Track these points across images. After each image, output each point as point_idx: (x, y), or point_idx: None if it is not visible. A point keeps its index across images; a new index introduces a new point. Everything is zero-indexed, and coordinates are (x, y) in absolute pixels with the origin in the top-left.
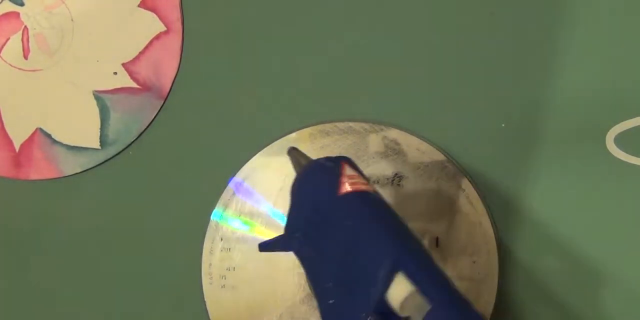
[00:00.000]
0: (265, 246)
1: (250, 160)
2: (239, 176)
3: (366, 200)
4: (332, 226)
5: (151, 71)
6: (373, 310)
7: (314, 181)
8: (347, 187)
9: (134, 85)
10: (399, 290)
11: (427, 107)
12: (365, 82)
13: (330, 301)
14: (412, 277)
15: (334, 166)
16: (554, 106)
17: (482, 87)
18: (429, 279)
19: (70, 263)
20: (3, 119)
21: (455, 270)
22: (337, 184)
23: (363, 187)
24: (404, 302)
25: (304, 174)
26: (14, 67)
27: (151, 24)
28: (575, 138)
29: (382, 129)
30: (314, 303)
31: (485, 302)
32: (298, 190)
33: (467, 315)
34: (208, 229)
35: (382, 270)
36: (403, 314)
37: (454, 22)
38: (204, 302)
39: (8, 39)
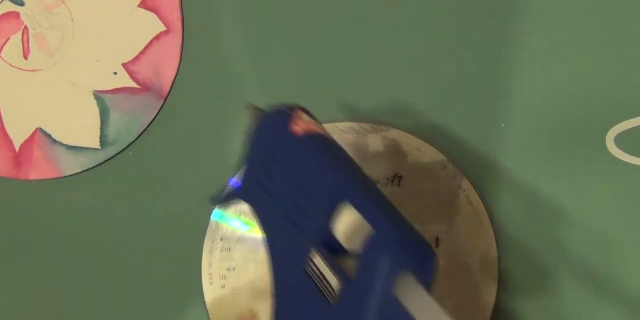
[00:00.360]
0: (220, 200)
1: None
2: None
3: (318, 140)
4: (283, 167)
5: (151, 71)
6: (318, 243)
7: (268, 128)
8: (299, 130)
9: (134, 85)
10: (345, 221)
11: (427, 107)
12: (366, 82)
13: (279, 240)
14: (357, 206)
15: (288, 113)
16: (554, 106)
17: (482, 87)
18: (374, 208)
19: (70, 263)
20: (3, 119)
21: (455, 271)
22: (290, 127)
23: (316, 130)
24: (350, 233)
25: (259, 123)
26: (14, 67)
27: (151, 24)
28: (575, 138)
29: (382, 129)
30: None
31: (485, 302)
32: (253, 139)
33: (410, 238)
34: (208, 229)
35: (326, 201)
36: (350, 247)
37: (454, 22)
38: (204, 302)
39: (8, 39)
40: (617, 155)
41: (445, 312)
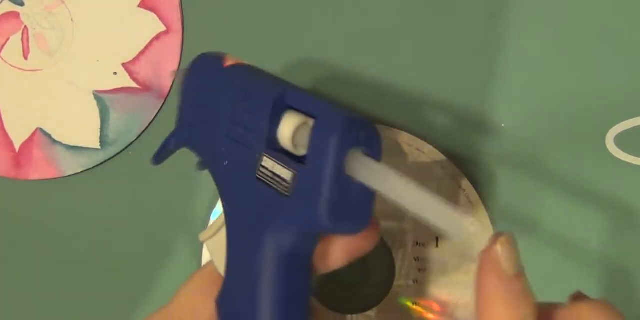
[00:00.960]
0: (158, 155)
1: None
2: None
3: (251, 67)
4: (218, 95)
5: (151, 71)
6: (266, 147)
7: (199, 67)
8: (230, 62)
9: (134, 85)
10: (289, 125)
11: (427, 108)
12: (366, 82)
13: (225, 163)
14: (298, 104)
15: (216, 55)
16: (554, 106)
17: (482, 87)
18: (314, 100)
19: (70, 263)
20: (3, 119)
21: (456, 271)
22: (221, 62)
23: (247, 63)
24: (295, 135)
25: (190, 67)
26: (14, 67)
27: (151, 24)
28: (575, 138)
29: (382, 129)
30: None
31: None
32: (185, 82)
33: (353, 118)
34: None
35: (268, 109)
36: (298, 152)
37: (454, 21)
38: None
39: (8, 39)
40: (617, 155)
41: (398, 173)
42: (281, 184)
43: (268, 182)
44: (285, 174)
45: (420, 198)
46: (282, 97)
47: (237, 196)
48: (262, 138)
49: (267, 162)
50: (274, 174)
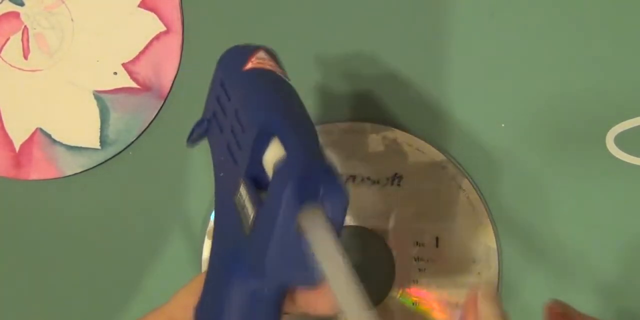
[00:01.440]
0: (189, 137)
1: None
2: None
3: (265, 76)
4: (231, 100)
5: (151, 71)
6: (245, 174)
7: (224, 64)
8: (250, 65)
9: (134, 85)
10: (273, 154)
11: (427, 107)
12: (366, 82)
13: (221, 174)
14: (280, 135)
15: (249, 50)
16: (554, 106)
17: (482, 87)
18: (293, 135)
19: (70, 263)
20: (3, 119)
21: (456, 271)
22: (245, 62)
23: (268, 67)
24: (275, 164)
25: (220, 60)
26: (14, 67)
27: (151, 24)
28: (575, 138)
29: (382, 129)
30: None
31: None
32: (214, 73)
33: (321, 168)
34: (208, 229)
35: (255, 134)
36: None
37: (454, 21)
38: None
39: (8, 39)
40: (617, 155)
41: (341, 253)
42: (246, 219)
43: (239, 211)
44: (251, 210)
45: (342, 278)
46: (269, 123)
47: (221, 211)
48: (245, 161)
49: (243, 191)
50: (244, 205)
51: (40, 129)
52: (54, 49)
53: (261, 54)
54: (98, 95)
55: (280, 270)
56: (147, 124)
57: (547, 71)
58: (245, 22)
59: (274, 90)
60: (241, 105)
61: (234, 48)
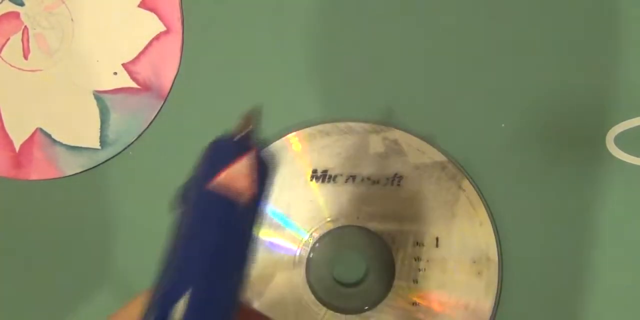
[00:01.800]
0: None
1: None
2: None
3: (215, 200)
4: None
5: (151, 71)
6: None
7: (207, 159)
8: (217, 180)
9: (134, 85)
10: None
11: (427, 108)
12: (366, 82)
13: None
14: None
15: (236, 152)
16: (554, 106)
17: (482, 87)
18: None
19: (70, 263)
20: (3, 119)
21: (456, 271)
22: (222, 169)
23: (226, 188)
24: None
25: (210, 147)
26: (14, 67)
27: (151, 24)
28: (575, 138)
29: (382, 129)
30: (319, 305)
31: (485, 302)
32: (201, 159)
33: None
34: None
35: (173, 280)
36: None
37: (454, 22)
38: None
39: (8, 39)
40: (617, 155)
41: None
42: None
43: None
44: None
45: None
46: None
47: None
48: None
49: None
50: None
51: (40, 129)
52: (54, 49)
53: (244, 162)
54: (98, 95)
55: None
56: (147, 124)
57: (547, 71)
58: (245, 22)
59: (218, 223)
60: (182, 232)
61: (217, 144)
